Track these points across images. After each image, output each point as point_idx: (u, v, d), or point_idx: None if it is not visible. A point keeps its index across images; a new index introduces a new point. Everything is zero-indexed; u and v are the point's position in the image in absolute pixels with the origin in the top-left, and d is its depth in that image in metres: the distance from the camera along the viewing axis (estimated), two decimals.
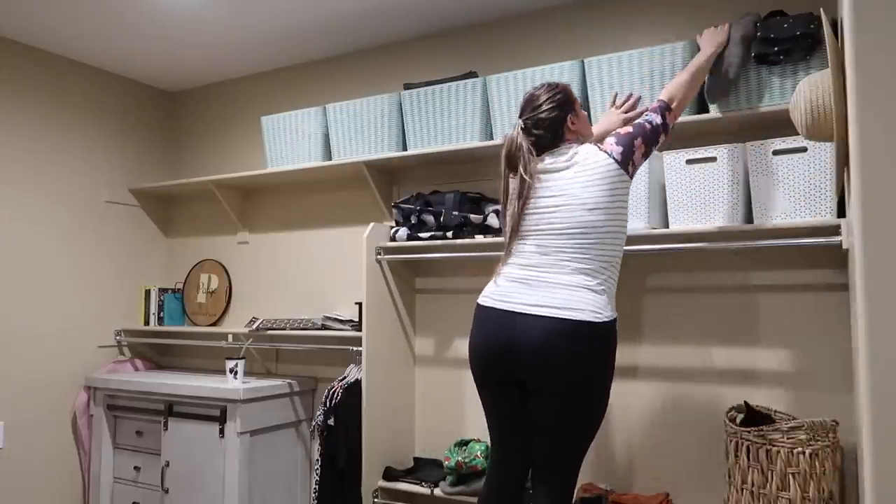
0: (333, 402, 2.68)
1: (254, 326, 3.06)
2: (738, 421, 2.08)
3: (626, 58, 2.28)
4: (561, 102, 1.89)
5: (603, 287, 1.78)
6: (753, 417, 2.08)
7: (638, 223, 2.22)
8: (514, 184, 1.88)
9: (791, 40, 2.00)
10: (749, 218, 2.13)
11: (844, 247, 1.87)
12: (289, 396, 3.02)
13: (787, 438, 1.90)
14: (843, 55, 1.35)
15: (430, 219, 2.67)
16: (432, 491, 2.55)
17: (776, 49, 2.03)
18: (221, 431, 2.79)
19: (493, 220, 2.58)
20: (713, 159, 2.13)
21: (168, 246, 3.80)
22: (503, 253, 1.91)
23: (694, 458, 2.37)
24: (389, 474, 2.65)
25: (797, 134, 2.03)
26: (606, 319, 1.75)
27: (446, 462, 2.50)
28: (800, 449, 1.88)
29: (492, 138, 2.58)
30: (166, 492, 2.92)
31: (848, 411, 2.15)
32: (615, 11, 2.63)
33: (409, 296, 2.92)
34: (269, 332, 3.04)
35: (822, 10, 1.55)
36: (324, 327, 2.94)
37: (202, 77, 3.61)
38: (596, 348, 1.74)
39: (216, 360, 3.52)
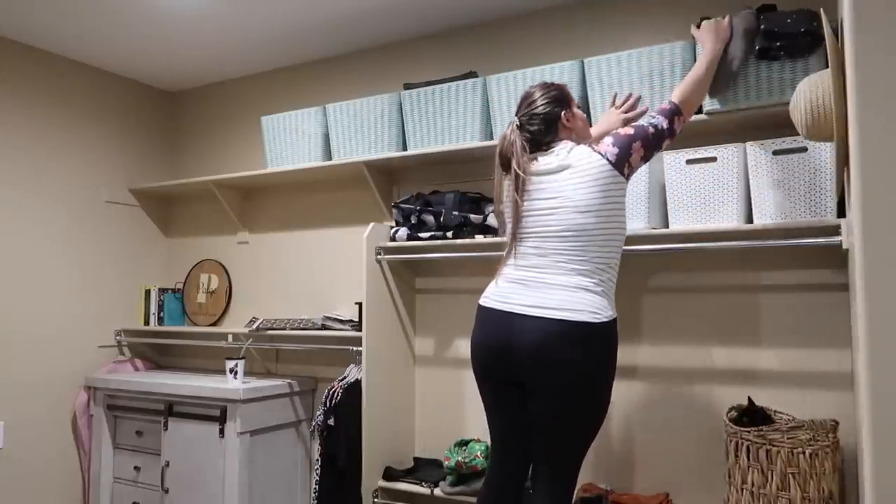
0: (333, 402, 2.68)
1: (254, 326, 3.06)
2: (735, 416, 2.08)
3: (626, 58, 2.28)
4: (556, 98, 1.89)
5: (602, 287, 1.77)
6: (753, 415, 2.09)
7: (638, 223, 2.22)
8: (508, 182, 1.88)
9: (793, 36, 1.98)
10: (749, 218, 2.13)
11: (844, 247, 1.87)
12: (289, 396, 3.02)
13: (787, 438, 1.90)
14: (843, 55, 1.35)
15: (430, 219, 2.67)
16: (432, 491, 2.55)
17: (778, 44, 2.00)
18: (221, 431, 2.79)
19: (493, 220, 2.58)
20: (713, 159, 2.12)
21: (168, 246, 3.80)
22: (504, 253, 1.90)
23: (694, 458, 2.37)
24: (389, 474, 2.65)
25: (797, 134, 2.03)
26: (606, 319, 1.74)
27: (446, 462, 2.50)
28: (800, 449, 1.88)
29: (492, 138, 2.58)
30: (166, 492, 2.92)
31: (848, 411, 2.15)
32: (615, 11, 2.64)
33: (409, 296, 2.92)
34: (269, 332, 3.04)
35: (821, 9, 1.55)
36: (324, 327, 2.94)
37: (202, 77, 3.61)
38: (595, 349, 1.73)
39: (216, 360, 3.52)
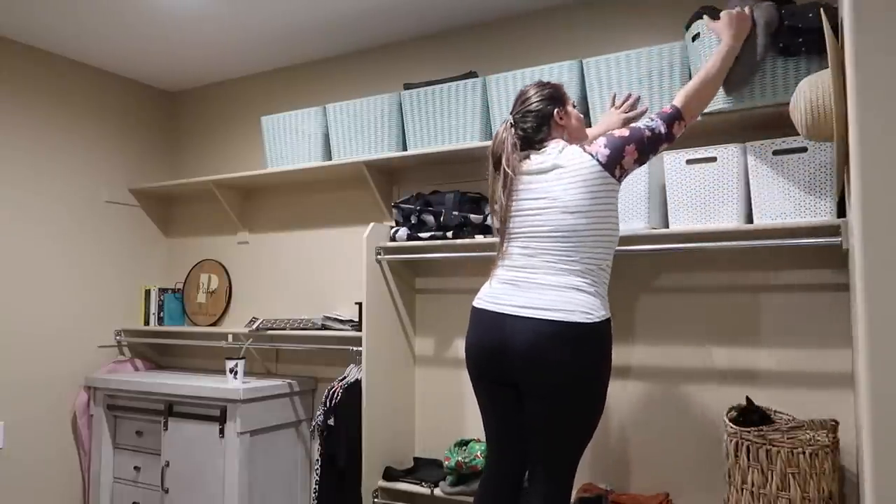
0: (333, 402, 2.68)
1: (254, 326, 3.06)
2: (735, 416, 2.08)
3: (626, 58, 2.28)
4: (550, 96, 1.88)
5: (595, 287, 1.75)
6: (751, 414, 2.08)
7: (638, 223, 2.22)
8: (498, 180, 1.87)
9: (814, 31, 1.88)
10: (749, 218, 2.13)
11: (844, 247, 1.87)
12: (289, 396, 3.02)
13: (787, 438, 1.90)
14: (843, 55, 1.35)
15: (430, 219, 2.67)
16: (432, 491, 2.55)
17: (800, 39, 1.91)
18: (221, 431, 2.79)
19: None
20: (713, 159, 2.12)
21: (168, 246, 3.80)
22: (496, 254, 1.90)
23: (694, 458, 2.37)
24: (389, 474, 2.65)
25: (797, 134, 2.03)
26: (598, 320, 1.72)
27: (446, 462, 2.50)
28: (800, 449, 1.88)
29: (491, 138, 2.58)
30: (166, 492, 2.92)
31: (848, 411, 2.15)
32: (615, 11, 2.63)
33: (409, 296, 2.92)
34: (269, 332, 3.04)
35: (822, 9, 1.55)
36: (324, 327, 2.94)
37: (202, 77, 3.61)
38: (587, 349, 1.71)
39: (216, 360, 3.52)
